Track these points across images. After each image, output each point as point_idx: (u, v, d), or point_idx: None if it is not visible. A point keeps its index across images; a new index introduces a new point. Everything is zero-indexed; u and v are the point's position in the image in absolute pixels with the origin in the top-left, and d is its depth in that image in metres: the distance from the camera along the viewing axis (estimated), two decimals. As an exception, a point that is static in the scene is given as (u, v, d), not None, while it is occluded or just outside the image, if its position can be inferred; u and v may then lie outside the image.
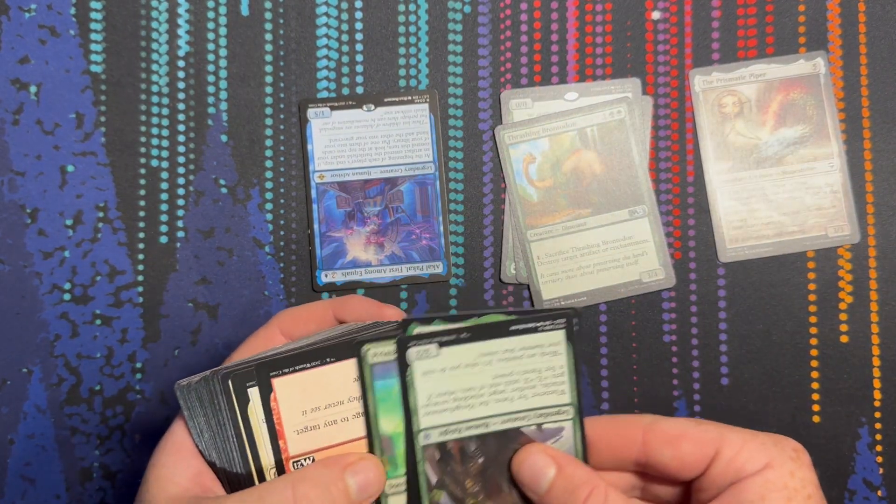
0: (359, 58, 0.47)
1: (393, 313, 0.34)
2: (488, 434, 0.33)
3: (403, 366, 0.32)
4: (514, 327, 0.33)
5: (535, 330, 0.33)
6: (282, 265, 0.46)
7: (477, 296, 0.46)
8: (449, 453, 0.32)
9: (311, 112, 0.47)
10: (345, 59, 0.47)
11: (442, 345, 0.32)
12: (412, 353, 0.32)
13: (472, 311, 0.37)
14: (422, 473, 0.33)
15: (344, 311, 0.34)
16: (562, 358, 0.33)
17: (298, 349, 0.31)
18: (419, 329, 0.32)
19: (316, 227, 0.46)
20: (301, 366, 0.30)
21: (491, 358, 0.33)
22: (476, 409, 0.33)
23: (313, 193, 0.47)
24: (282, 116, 0.47)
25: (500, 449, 0.33)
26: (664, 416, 0.31)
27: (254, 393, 0.30)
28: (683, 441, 0.30)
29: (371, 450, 0.31)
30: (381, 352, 0.31)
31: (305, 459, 0.30)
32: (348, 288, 0.46)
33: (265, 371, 0.30)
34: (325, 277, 0.46)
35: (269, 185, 0.47)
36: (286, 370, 0.30)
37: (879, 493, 0.46)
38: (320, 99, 0.47)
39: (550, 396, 0.33)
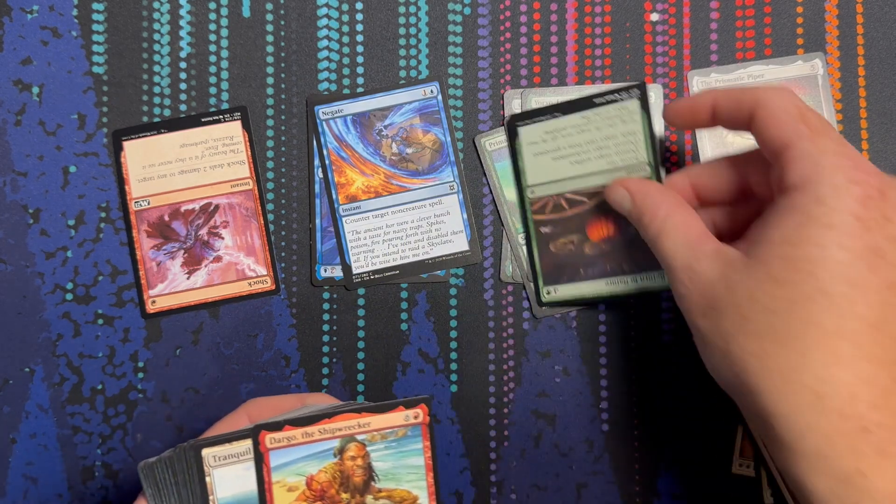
0: (359, 59, 0.47)
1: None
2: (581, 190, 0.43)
3: (513, 134, 0.43)
4: (597, 99, 0.42)
5: (614, 101, 0.41)
6: (283, 265, 0.47)
7: (477, 296, 0.47)
8: (554, 204, 0.43)
9: (319, 110, 0.47)
10: (346, 60, 0.47)
11: (541, 121, 0.43)
12: (519, 126, 0.43)
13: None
14: (530, 220, 0.44)
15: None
16: (637, 124, 0.41)
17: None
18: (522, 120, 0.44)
19: (318, 221, 0.47)
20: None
21: (579, 128, 0.43)
22: (570, 170, 0.43)
23: (316, 189, 0.47)
24: (283, 117, 0.47)
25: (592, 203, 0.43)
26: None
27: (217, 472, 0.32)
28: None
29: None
30: (495, 141, 0.44)
31: None
32: (347, 284, 0.46)
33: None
34: (325, 272, 0.46)
35: (270, 185, 0.47)
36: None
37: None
38: (326, 97, 0.47)
39: (629, 156, 0.42)
